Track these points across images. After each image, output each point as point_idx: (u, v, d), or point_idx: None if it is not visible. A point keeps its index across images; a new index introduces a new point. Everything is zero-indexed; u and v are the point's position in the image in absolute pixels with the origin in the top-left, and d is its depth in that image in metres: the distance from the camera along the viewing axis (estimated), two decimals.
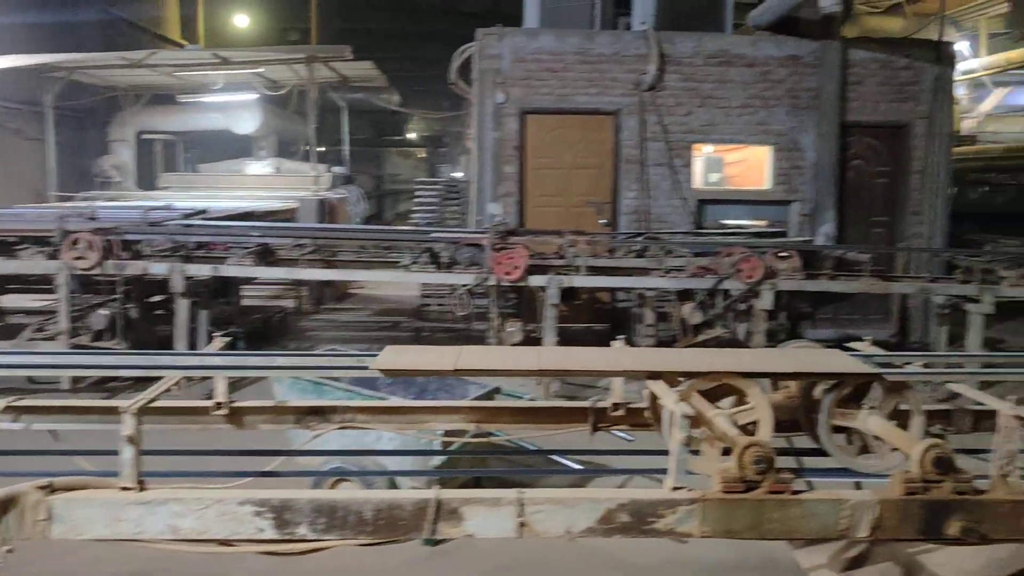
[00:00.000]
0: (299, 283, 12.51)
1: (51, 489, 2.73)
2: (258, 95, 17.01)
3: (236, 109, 17.15)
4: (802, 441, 3.40)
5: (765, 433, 3.02)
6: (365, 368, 3.33)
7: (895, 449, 3.09)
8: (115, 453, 2.83)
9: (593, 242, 8.72)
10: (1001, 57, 25.88)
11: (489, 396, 5.81)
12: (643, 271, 8.71)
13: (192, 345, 8.56)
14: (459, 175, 22.91)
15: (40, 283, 9.11)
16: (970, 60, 26.93)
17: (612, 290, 10.44)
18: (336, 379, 5.78)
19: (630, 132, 11.02)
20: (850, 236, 11.39)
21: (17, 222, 9.39)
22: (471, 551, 5.17)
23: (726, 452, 2.92)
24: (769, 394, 3.69)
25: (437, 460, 5.04)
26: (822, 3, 10.80)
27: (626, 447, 3.96)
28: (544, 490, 2.85)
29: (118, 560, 4.61)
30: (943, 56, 11.41)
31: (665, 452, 2.88)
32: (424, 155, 36.46)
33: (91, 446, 3.31)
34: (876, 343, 3.82)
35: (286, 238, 9.19)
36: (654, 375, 3.14)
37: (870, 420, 3.16)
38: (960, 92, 29.30)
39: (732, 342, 8.33)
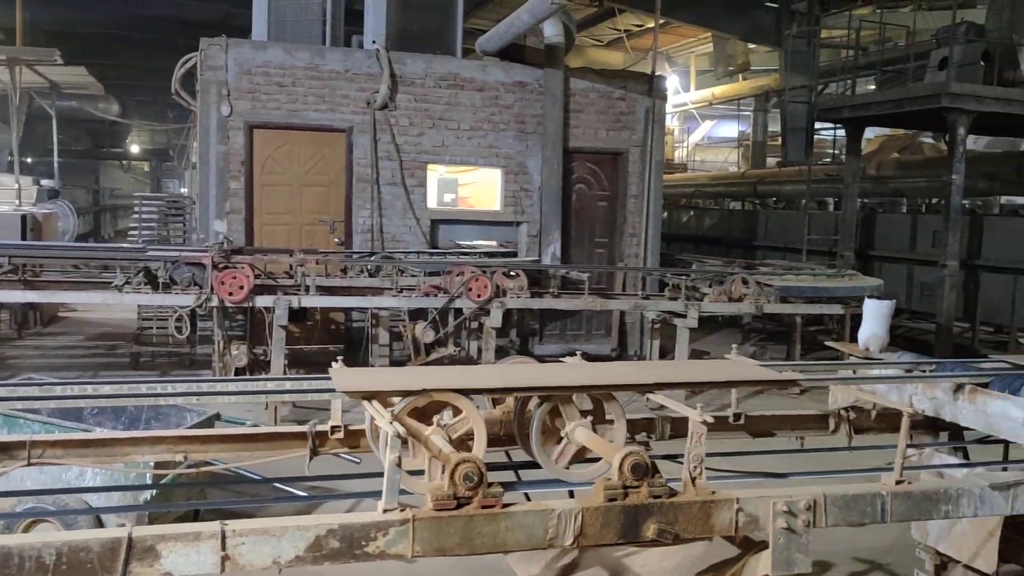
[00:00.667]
0: None
1: None
2: None
3: None
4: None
5: (479, 449, 3.05)
6: (331, 391, 3.08)
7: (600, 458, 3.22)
8: None
9: (324, 261, 8.56)
10: (708, 92, 28.35)
11: (208, 423, 5.50)
12: (376, 291, 8.66)
13: None
14: (185, 191, 21.81)
15: None
16: (683, 94, 29.30)
17: (346, 310, 10.30)
18: (36, 411, 5.26)
19: (363, 150, 10.96)
20: (575, 256, 11.96)
21: None
22: None
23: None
24: (488, 410, 3.76)
25: (148, 494, 4.69)
26: (546, 33, 11.31)
27: (354, 470, 3.88)
28: (249, 520, 2.70)
29: None
30: (655, 89, 12.30)
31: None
32: (148, 169, 34.43)
33: None
34: (592, 357, 3.99)
35: None
36: (368, 396, 3.09)
37: (577, 432, 3.27)
38: (673, 123, 31.81)
39: (463, 360, 8.46)
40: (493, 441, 3.53)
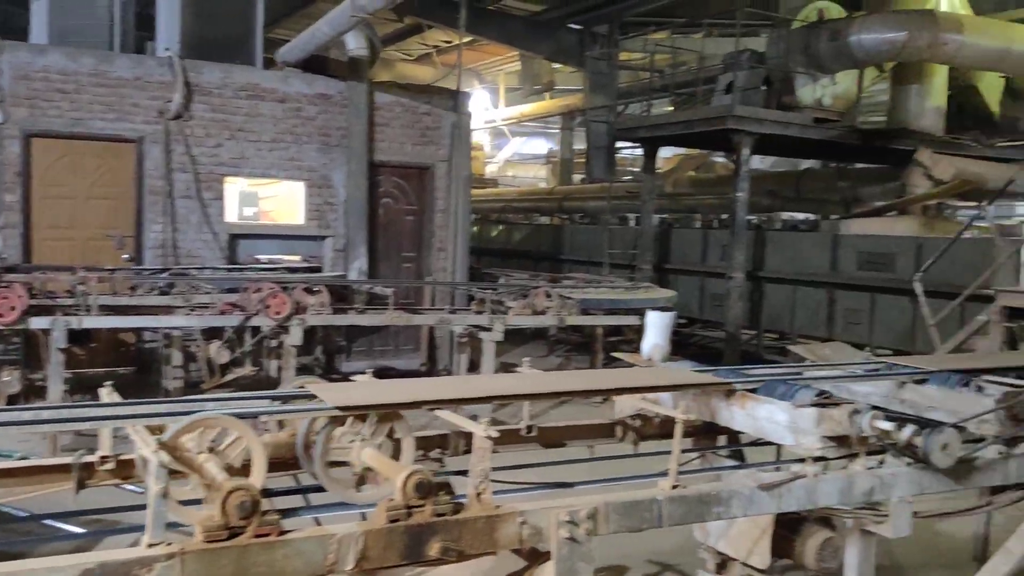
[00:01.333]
0: None
1: None
2: None
3: None
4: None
5: (257, 474, 2.92)
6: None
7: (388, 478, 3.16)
8: None
9: (109, 279, 8.06)
10: (516, 110, 28.94)
11: None
12: (166, 309, 8.24)
13: None
14: None
15: None
16: (492, 110, 29.77)
17: (136, 330, 9.75)
18: None
19: (155, 162, 10.44)
20: (383, 270, 11.86)
21: None
22: None
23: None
24: (275, 433, 3.62)
25: None
26: (349, 45, 11.19)
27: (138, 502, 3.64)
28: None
29: None
30: (460, 105, 12.40)
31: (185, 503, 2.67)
32: None
33: None
34: (401, 372, 3.92)
35: None
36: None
37: (364, 452, 3.20)
38: (484, 139, 32.26)
39: (261, 380, 8.18)
40: (282, 465, 3.41)
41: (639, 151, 15.75)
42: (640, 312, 10.30)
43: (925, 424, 3.49)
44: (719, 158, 20.24)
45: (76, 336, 7.72)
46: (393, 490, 2.95)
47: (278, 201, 11.81)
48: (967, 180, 12.44)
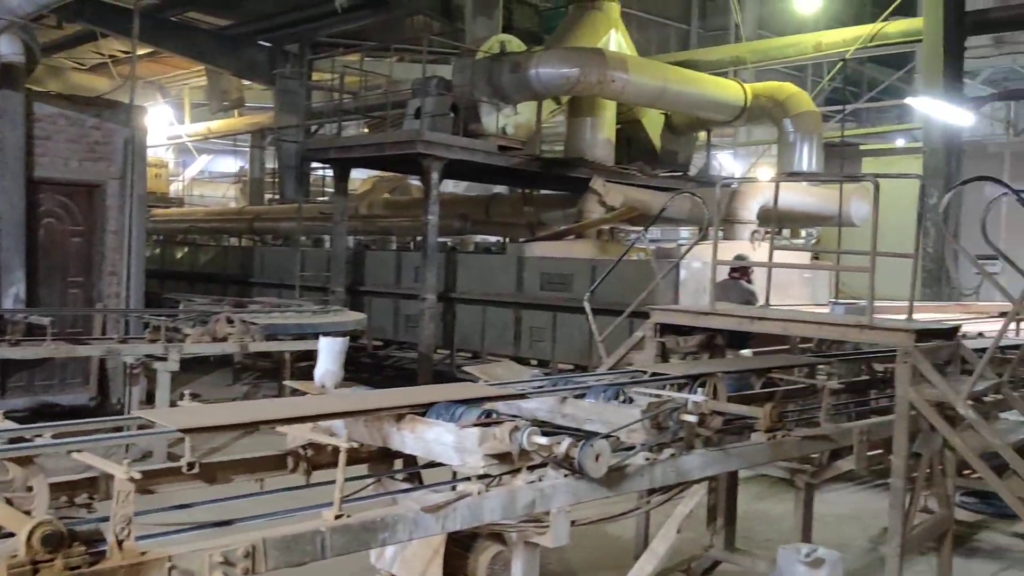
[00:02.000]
0: None
1: None
2: None
3: None
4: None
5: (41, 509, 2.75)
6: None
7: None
8: None
9: None
10: (203, 126, 27.70)
11: None
12: None
13: None
14: None
15: None
16: (177, 126, 28.26)
17: None
18: None
19: None
20: (44, 297, 10.79)
21: None
22: None
23: None
24: None
25: None
26: (2, 50, 10.12)
27: None
28: None
29: None
30: (135, 119, 11.61)
31: None
32: None
33: None
34: (66, 408, 3.52)
35: None
36: None
37: None
38: (168, 156, 30.53)
39: None
40: None
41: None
42: (340, 335, 10.17)
43: (580, 437, 3.69)
44: (415, 181, 20.57)
45: None
46: (17, 545, 2.63)
47: None
48: (634, 207, 13.54)
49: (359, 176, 22.40)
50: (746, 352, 8.44)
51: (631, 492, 4.25)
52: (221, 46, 20.64)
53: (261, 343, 9.34)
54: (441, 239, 15.85)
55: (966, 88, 18.90)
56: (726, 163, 25.01)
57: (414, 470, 4.32)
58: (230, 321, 9.20)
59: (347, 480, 4.04)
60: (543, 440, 3.48)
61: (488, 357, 13.01)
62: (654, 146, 16.42)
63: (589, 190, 13.37)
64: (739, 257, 9.21)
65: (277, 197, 21.58)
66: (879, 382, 6.91)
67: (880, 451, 5.86)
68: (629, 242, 13.18)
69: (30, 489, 3.01)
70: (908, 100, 20.92)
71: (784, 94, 15.42)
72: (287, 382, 4.50)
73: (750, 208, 13.42)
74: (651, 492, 4.82)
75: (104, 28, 18.50)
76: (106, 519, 2.90)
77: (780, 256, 11.42)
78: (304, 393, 4.45)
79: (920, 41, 16.74)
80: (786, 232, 18.07)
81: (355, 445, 3.73)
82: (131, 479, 2.79)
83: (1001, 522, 7.54)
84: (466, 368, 5.96)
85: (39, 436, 3.15)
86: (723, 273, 9.52)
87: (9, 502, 2.90)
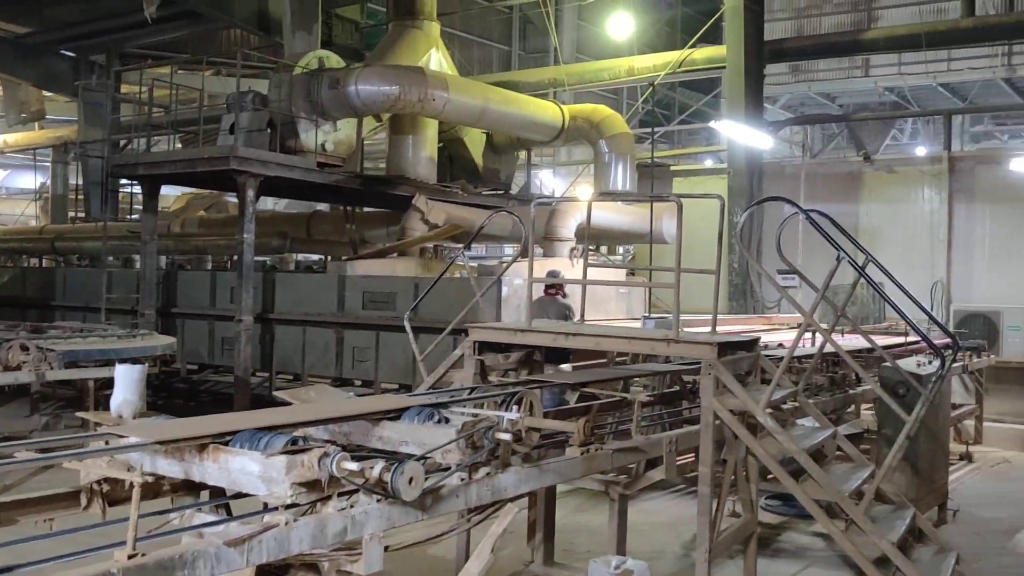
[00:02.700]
0: None
1: None
2: None
3: None
4: None
5: None
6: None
7: None
8: None
9: None
10: (0, 139, 25.87)
11: None
12: None
13: None
14: None
15: None
16: None
17: None
18: None
19: None
20: None
21: None
22: None
23: None
24: None
25: None
26: None
27: None
28: None
29: None
30: None
31: None
32: None
33: None
34: None
35: None
36: None
37: None
38: None
39: None
40: None
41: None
42: (138, 361, 9.64)
43: (394, 460, 3.63)
44: (232, 198, 19.90)
45: None
46: None
47: None
48: (457, 224, 13.60)
49: (173, 193, 21.48)
50: (565, 367, 8.62)
51: (447, 513, 4.23)
52: (19, 55, 19.37)
53: (60, 371, 8.75)
54: (260, 258, 15.39)
55: (766, 113, 20.22)
56: (547, 181, 25.59)
57: (221, 501, 4.14)
58: (24, 348, 8.56)
59: (149, 515, 3.83)
60: (353, 466, 3.41)
61: (309, 379, 12.70)
62: (476, 164, 16.59)
63: (412, 208, 13.33)
64: (552, 274, 9.41)
65: (82, 215, 20.37)
66: (689, 393, 7.21)
67: (693, 459, 6.11)
68: (450, 260, 13.24)
69: None
70: (713, 123, 22.14)
71: (599, 116, 15.93)
72: (81, 413, 4.22)
73: (568, 226, 13.76)
74: (471, 511, 4.83)
75: None
76: None
77: (596, 273, 11.78)
78: (100, 425, 4.18)
79: (724, 68, 17.74)
80: (603, 249, 18.68)
81: (150, 479, 3.52)
82: None
83: (802, 522, 7.99)
84: (277, 393, 5.77)
85: None
86: (542, 290, 9.71)
87: None
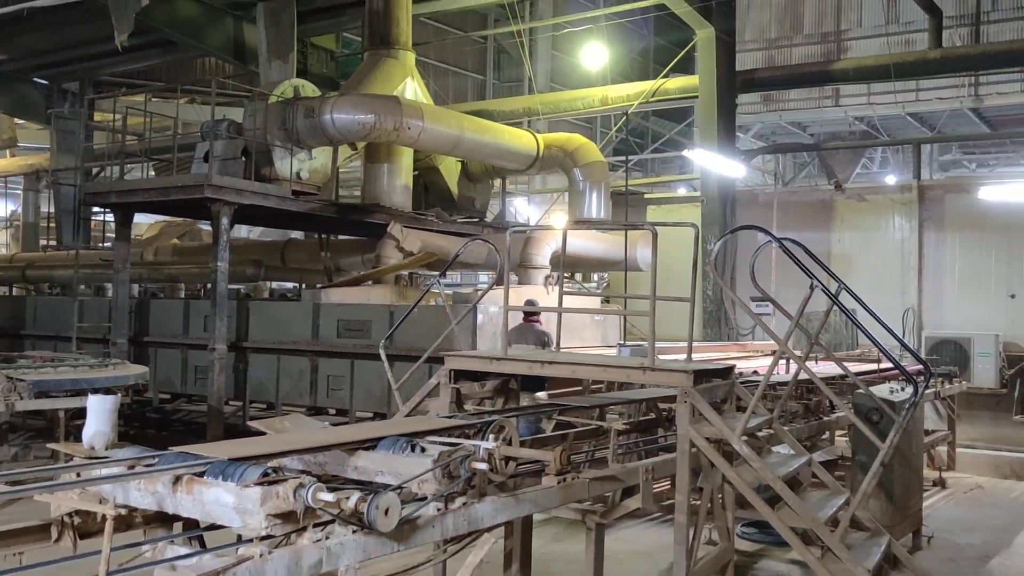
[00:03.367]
0: None
1: None
2: None
3: None
4: None
5: None
6: None
7: None
8: None
9: None
10: None
11: None
12: None
13: None
14: None
15: None
16: None
17: None
18: None
19: None
20: None
21: None
22: None
23: None
24: None
25: None
26: None
27: None
28: None
29: None
30: None
31: None
32: None
33: None
34: None
35: None
36: None
37: None
38: None
39: None
40: None
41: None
42: (111, 391, 9.53)
43: (369, 491, 3.61)
44: (206, 226, 19.81)
45: None
46: None
47: None
48: (432, 252, 13.61)
49: (146, 220, 21.35)
50: (541, 395, 8.62)
51: (424, 544, 4.20)
52: None
53: (30, 401, 8.62)
54: (234, 286, 15.30)
55: (738, 142, 20.45)
56: (522, 209, 25.70)
57: (195, 533, 4.09)
58: None
59: (121, 548, 3.77)
60: (329, 496, 3.38)
61: (283, 408, 12.61)
62: (451, 192, 16.63)
63: (387, 235, 13.33)
64: (529, 302, 9.43)
65: (54, 243, 20.18)
66: (665, 421, 7.23)
67: (669, 487, 6.12)
68: (426, 287, 13.23)
69: None
70: (686, 152, 22.36)
71: (574, 144, 16.04)
72: (52, 445, 4.17)
73: (544, 254, 13.81)
74: (447, 542, 4.80)
75: None
76: None
77: (572, 300, 11.81)
78: (72, 457, 4.13)
79: (697, 97, 17.94)
80: (579, 276, 18.74)
81: (122, 512, 3.48)
82: None
83: (779, 550, 8.00)
84: (251, 422, 5.72)
85: None
86: (519, 317, 9.72)
87: None
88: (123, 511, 3.54)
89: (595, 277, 20.06)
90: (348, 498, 3.46)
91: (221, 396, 11.98)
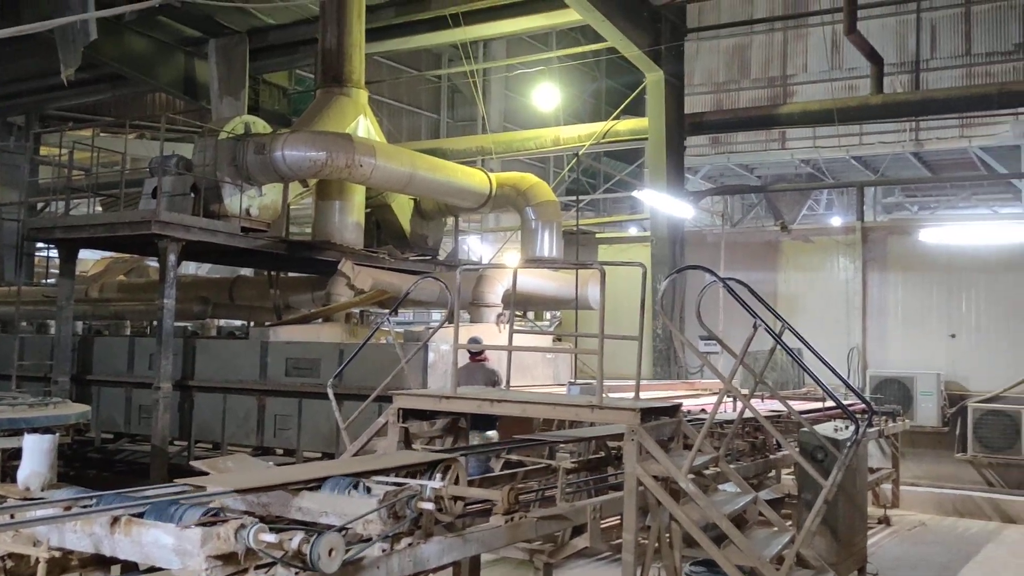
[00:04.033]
0: None
1: None
2: None
3: None
4: None
5: None
6: None
7: None
8: None
9: None
10: None
11: None
12: None
13: None
14: None
15: None
16: None
17: None
18: None
19: None
20: None
21: None
22: None
23: None
24: None
25: None
26: None
27: None
28: None
29: None
30: None
31: None
32: None
33: None
34: None
35: None
36: None
37: None
38: None
39: None
40: None
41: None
42: (50, 431, 9.29)
43: (313, 531, 3.56)
44: (153, 262, 19.52)
45: None
46: None
47: None
48: (383, 290, 13.57)
49: (92, 256, 21.00)
50: (491, 433, 8.59)
51: None
52: None
53: None
54: (181, 323, 15.06)
55: (687, 183, 20.77)
56: (475, 247, 25.76)
57: None
58: None
59: None
60: (271, 537, 3.33)
61: (229, 448, 12.39)
62: (404, 230, 16.62)
63: (338, 273, 13.26)
64: (474, 340, 9.43)
65: None
66: (614, 459, 7.24)
67: (618, 525, 6.11)
68: (377, 325, 13.15)
69: None
70: (636, 193, 22.63)
71: (526, 184, 16.17)
72: None
73: (496, 292, 13.84)
74: None
75: None
76: None
77: (523, 339, 11.82)
78: (6, 498, 4.03)
79: (647, 139, 18.22)
80: (531, 315, 18.77)
81: (57, 555, 3.39)
82: None
83: None
84: (195, 463, 5.63)
85: None
86: (467, 357, 9.70)
87: None
88: (57, 554, 3.44)
89: (547, 316, 20.12)
90: (291, 539, 3.41)
91: (165, 436, 11.76)
